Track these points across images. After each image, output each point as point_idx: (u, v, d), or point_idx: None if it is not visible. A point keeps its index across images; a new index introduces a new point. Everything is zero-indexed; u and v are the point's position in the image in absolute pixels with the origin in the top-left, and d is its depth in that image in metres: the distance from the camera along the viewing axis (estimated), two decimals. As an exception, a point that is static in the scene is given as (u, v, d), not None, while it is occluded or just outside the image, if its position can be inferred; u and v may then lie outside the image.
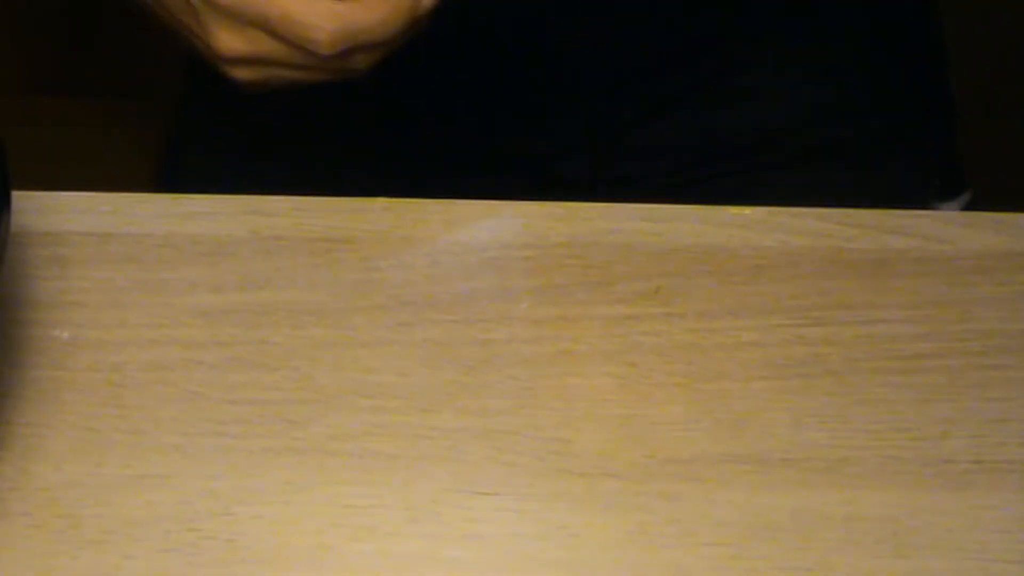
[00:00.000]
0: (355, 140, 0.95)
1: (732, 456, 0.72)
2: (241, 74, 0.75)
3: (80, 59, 1.49)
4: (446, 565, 0.69)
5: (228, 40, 0.74)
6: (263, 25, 0.72)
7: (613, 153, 0.95)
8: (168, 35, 0.80)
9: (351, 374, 0.75)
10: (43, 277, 0.78)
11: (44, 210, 0.80)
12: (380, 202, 0.80)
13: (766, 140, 0.95)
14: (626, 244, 0.79)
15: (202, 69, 0.99)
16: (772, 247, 0.78)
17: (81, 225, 0.80)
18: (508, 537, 0.70)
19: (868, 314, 0.77)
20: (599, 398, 0.74)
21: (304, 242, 0.78)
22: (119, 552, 0.69)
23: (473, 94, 0.93)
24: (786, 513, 0.70)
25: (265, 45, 0.73)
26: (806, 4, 0.92)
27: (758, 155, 0.96)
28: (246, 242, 0.80)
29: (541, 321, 0.77)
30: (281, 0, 0.71)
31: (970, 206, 0.81)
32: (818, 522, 0.70)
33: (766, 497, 0.71)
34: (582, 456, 0.72)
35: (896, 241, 0.80)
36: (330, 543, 0.70)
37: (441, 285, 0.77)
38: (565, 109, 0.93)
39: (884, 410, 0.73)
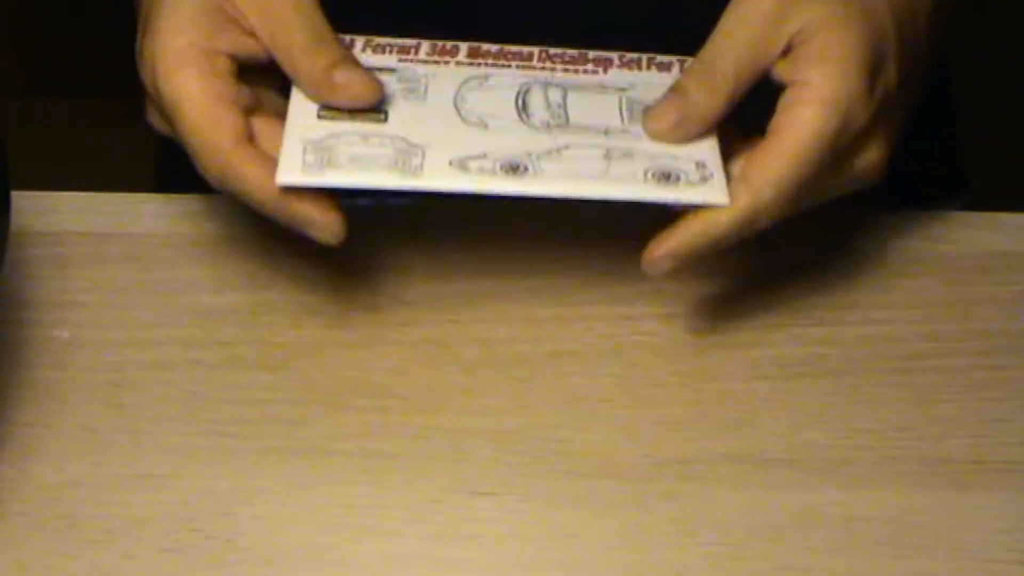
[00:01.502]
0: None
1: (732, 456, 0.72)
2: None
3: (80, 59, 1.49)
4: (446, 565, 0.69)
5: (152, 115, 0.73)
6: (175, 126, 0.71)
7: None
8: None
9: (351, 374, 0.75)
10: (43, 277, 0.78)
11: (44, 210, 0.80)
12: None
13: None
14: (626, 244, 0.79)
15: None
16: (772, 247, 0.78)
17: (81, 225, 0.80)
18: (508, 537, 0.70)
19: (868, 314, 0.77)
20: (599, 398, 0.74)
21: (304, 242, 0.78)
22: (119, 552, 0.69)
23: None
24: (786, 513, 0.70)
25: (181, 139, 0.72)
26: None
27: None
28: (246, 242, 0.80)
29: (541, 321, 0.77)
30: (190, 110, 0.69)
31: (971, 207, 0.81)
32: (818, 522, 0.70)
33: (766, 497, 0.71)
34: (582, 456, 0.72)
35: (896, 241, 0.80)
36: (330, 543, 0.70)
37: (441, 285, 0.77)
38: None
39: (884, 410, 0.73)
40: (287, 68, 0.71)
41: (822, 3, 0.70)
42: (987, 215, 0.80)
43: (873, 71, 0.70)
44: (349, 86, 0.70)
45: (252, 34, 0.71)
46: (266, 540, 0.70)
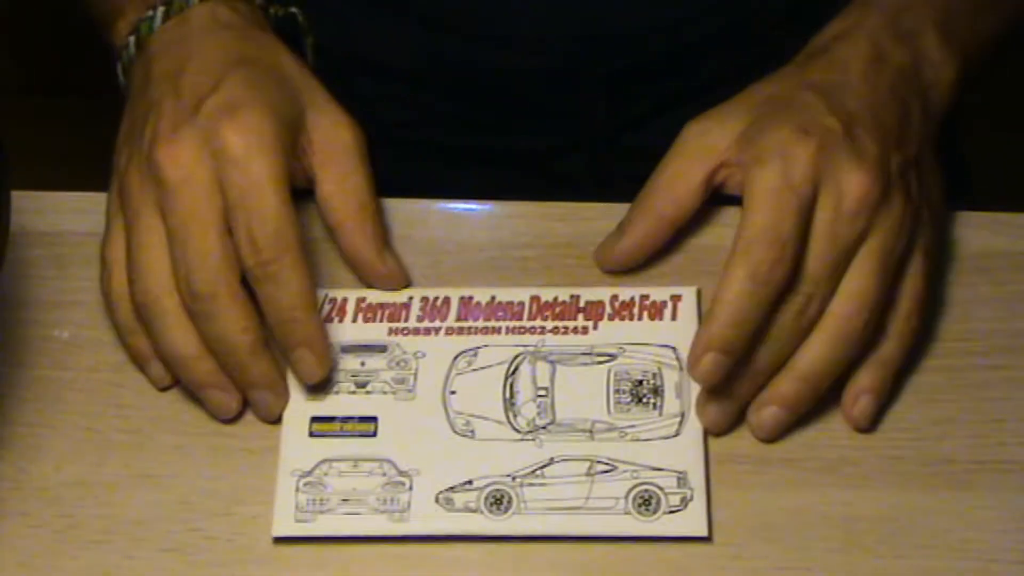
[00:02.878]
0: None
1: (732, 456, 0.72)
2: None
3: (80, 59, 1.49)
4: (446, 565, 0.69)
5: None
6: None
7: (613, 152, 0.94)
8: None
9: (351, 374, 0.75)
10: (43, 277, 0.78)
11: (44, 210, 0.80)
12: (380, 202, 0.80)
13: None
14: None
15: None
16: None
17: (81, 225, 0.80)
18: (508, 537, 0.70)
19: (868, 314, 0.77)
20: (599, 398, 0.74)
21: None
22: (119, 552, 0.69)
23: (474, 91, 0.93)
24: (786, 513, 0.70)
25: None
26: (806, 7, 0.92)
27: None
28: (246, 242, 0.79)
29: (541, 321, 0.77)
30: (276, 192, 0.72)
31: (971, 207, 0.81)
32: (818, 522, 0.70)
33: (766, 497, 0.71)
34: (582, 456, 0.72)
35: (896, 241, 0.79)
36: (330, 543, 0.70)
37: (441, 285, 0.77)
38: (566, 107, 0.93)
39: (884, 410, 0.73)
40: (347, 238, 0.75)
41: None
42: (987, 215, 0.80)
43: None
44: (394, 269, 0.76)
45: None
46: (266, 540, 0.70)
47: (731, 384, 0.71)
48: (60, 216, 0.80)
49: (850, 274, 0.72)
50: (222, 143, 0.72)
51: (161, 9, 0.78)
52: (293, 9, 0.82)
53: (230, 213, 0.71)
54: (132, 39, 0.79)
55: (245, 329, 0.71)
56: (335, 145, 0.76)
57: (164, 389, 0.74)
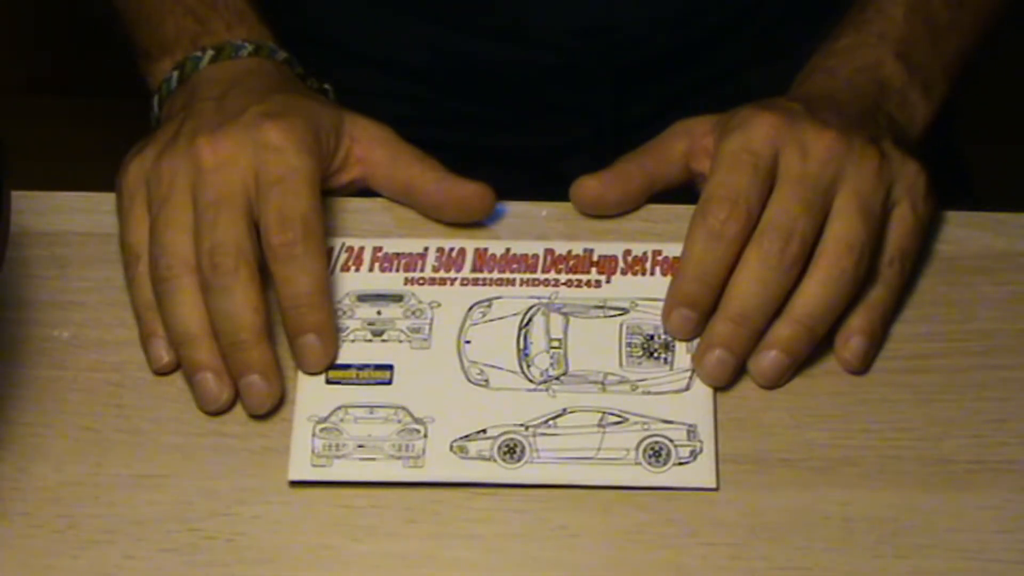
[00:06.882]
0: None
1: (732, 456, 0.72)
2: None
3: (80, 59, 1.49)
4: (446, 565, 0.69)
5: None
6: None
7: (616, 152, 0.94)
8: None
9: (351, 374, 0.75)
10: (43, 277, 0.78)
11: (44, 210, 0.80)
12: (381, 202, 0.80)
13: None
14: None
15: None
16: (772, 247, 0.78)
17: (81, 225, 0.80)
18: (508, 537, 0.70)
19: (868, 314, 0.77)
20: (599, 398, 0.74)
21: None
22: (119, 552, 0.69)
23: (478, 88, 0.93)
24: (786, 513, 0.70)
25: None
26: (807, 6, 0.92)
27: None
28: (246, 242, 0.79)
29: (541, 321, 0.77)
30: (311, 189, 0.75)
31: (971, 207, 0.81)
32: (818, 522, 0.70)
33: (766, 497, 0.71)
34: (582, 456, 0.72)
35: (896, 241, 0.79)
36: (330, 543, 0.70)
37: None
38: (569, 107, 0.93)
39: (884, 410, 0.73)
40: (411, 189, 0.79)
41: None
42: (987, 215, 0.80)
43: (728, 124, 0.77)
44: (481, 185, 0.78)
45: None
46: (266, 540, 0.70)
47: (726, 335, 0.73)
48: (60, 216, 0.80)
49: (832, 219, 0.74)
50: (263, 136, 0.75)
51: (210, 52, 0.81)
52: (327, 86, 0.86)
53: (261, 194, 0.74)
54: (176, 74, 0.82)
55: (256, 309, 0.72)
56: (378, 131, 0.79)
57: (159, 374, 0.74)
